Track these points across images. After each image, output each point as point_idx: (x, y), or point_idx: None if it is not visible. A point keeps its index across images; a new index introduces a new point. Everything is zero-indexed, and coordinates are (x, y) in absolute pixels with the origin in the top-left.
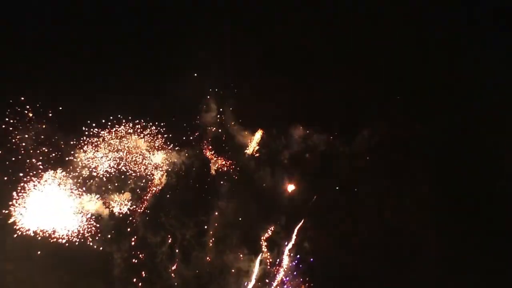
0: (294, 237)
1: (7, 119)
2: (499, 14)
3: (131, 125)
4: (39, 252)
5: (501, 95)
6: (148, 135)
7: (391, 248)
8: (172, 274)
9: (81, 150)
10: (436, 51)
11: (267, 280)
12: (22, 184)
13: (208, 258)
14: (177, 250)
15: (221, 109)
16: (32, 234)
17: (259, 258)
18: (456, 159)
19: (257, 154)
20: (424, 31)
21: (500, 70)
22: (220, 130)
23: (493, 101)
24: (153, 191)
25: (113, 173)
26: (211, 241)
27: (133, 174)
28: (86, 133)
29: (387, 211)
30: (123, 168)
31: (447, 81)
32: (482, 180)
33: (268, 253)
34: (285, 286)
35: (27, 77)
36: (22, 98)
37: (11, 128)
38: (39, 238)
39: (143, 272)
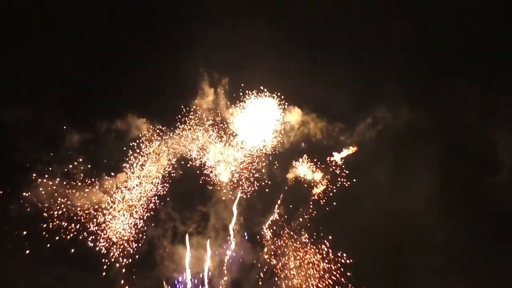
0: (294, 229)
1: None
2: None
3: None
4: (37, 250)
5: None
6: (145, 123)
7: (392, 240)
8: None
9: (74, 138)
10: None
11: (270, 273)
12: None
13: (210, 252)
14: (178, 243)
15: (217, 94)
16: (30, 231)
17: (264, 250)
18: (460, 148)
19: (256, 144)
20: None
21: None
22: (216, 116)
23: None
24: (152, 182)
25: (108, 163)
26: (212, 234)
27: (130, 163)
28: (79, 120)
29: (389, 201)
30: (119, 157)
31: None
32: (487, 168)
33: (270, 245)
34: (289, 277)
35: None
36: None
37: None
38: (38, 235)
39: (143, 267)
